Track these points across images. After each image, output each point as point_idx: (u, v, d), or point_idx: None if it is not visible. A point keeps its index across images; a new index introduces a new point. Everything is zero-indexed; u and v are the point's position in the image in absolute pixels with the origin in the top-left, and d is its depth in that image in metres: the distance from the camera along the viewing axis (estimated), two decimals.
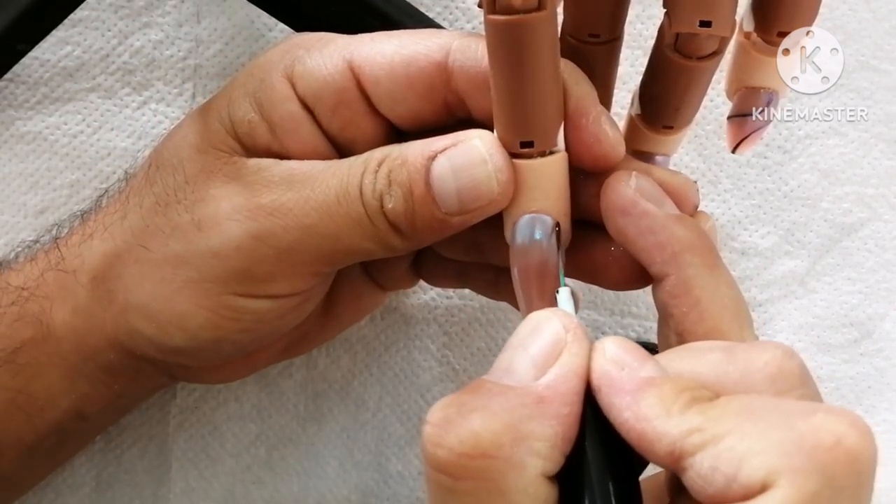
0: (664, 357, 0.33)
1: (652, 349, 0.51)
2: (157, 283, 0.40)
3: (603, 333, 0.54)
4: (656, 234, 0.36)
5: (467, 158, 0.36)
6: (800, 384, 0.31)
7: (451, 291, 0.53)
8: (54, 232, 0.44)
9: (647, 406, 0.29)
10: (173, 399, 0.53)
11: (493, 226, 0.38)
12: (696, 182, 0.38)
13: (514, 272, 0.37)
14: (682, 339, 0.35)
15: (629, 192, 0.36)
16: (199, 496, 0.53)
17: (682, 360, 0.32)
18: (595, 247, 0.39)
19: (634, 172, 0.36)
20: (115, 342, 0.42)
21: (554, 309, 0.33)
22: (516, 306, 0.45)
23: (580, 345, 0.32)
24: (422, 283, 0.53)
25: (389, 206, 0.37)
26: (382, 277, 0.47)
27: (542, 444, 0.30)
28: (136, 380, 0.45)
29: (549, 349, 0.32)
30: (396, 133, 0.40)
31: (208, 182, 0.40)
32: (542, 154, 0.36)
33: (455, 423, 0.30)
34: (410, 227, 0.37)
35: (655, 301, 0.36)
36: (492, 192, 0.36)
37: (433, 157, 0.37)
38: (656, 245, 0.36)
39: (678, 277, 0.35)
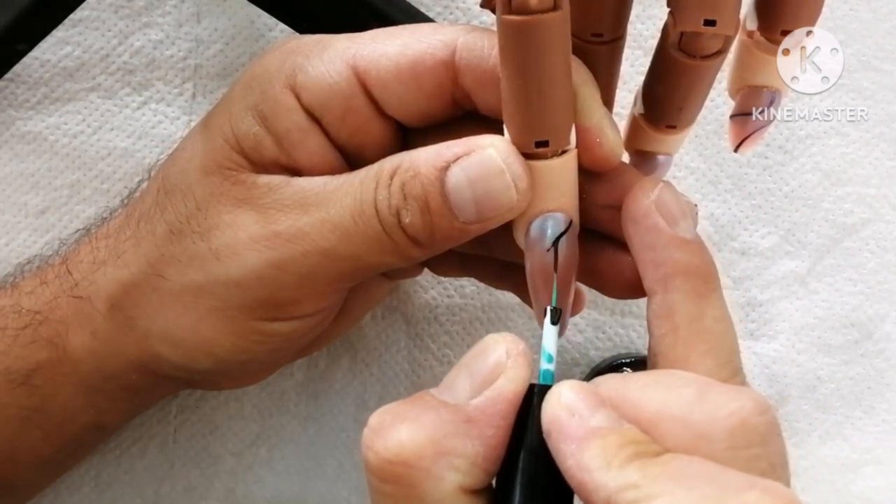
0: (642, 377, 0.33)
1: (643, 362, 0.51)
2: (179, 311, 0.40)
3: (603, 333, 0.54)
4: (655, 252, 0.36)
5: (484, 169, 0.35)
6: (759, 442, 0.31)
7: (452, 290, 0.53)
8: (62, 250, 0.44)
9: (589, 456, 0.30)
10: (174, 398, 0.53)
11: None
12: (696, 205, 0.37)
13: (530, 270, 0.36)
14: (654, 360, 0.35)
15: (645, 202, 0.36)
16: (200, 494, 0.53)
17: (657, 387, 0.32)
18: (598, 255, 0.39)
19: (661, 184, 0.36)
20: (139, 364, 0.42)
21: (505, 334, 0.34)
22: (520, 296, 0.45)
23: (517, 372, 0.32)
24: (423, 282, 0.53)
25: (407, 220, 0.36)
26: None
27: (461, 460, 0.31)
28: (155, 393, 0.46)
29: (488, 372, 0.32)
30: (404, 132, 0.40)
31: (220, 207, 0.39)
32: (556, 153, 0.35)
33: (386, 430, 0.31)
34: (429, 239, 0.37)
35: (647, 315, 0.37)
36: (511, 201, 0.35)
37: (446, 168, 0.36)
38: (652, 262, 0.36)
39: (663, 299, 0.35)
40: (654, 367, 0.35)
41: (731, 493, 0.28)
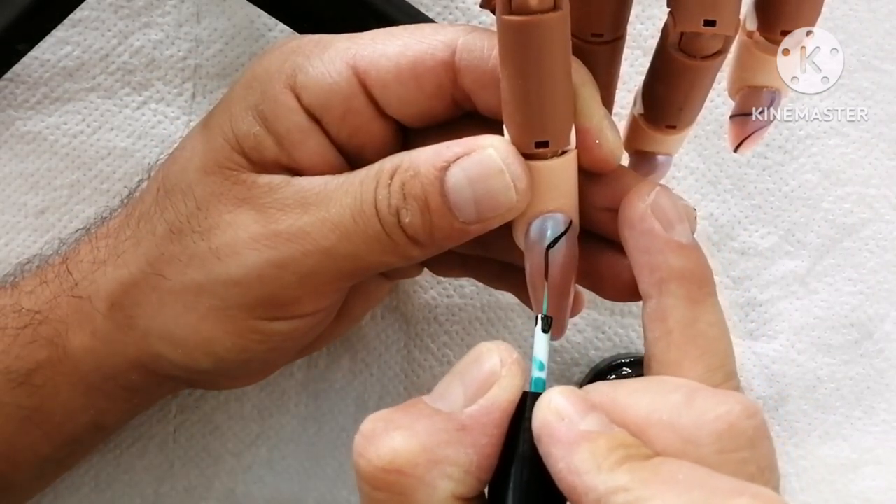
0: (632, 384, 0.33)
1: (642, 362, 0.51)
2: (179, 310, 0.40)
3: (603, 333, 0.54)
4: (651, 256, 0.36)
5: (483, 169, 0.35)
6: (747, 446, 0.31)
7: (451, 290, 0.53)
8: (62, 250, 0.44)
9: (579, 459, 0.30)
10: (174, 398, 0.53)
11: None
12: (694, 209, 0.37)
13: (529, 271, 0.36)
14: (649, 363, 0.36)
15: (641, 206, 0.36)
16: (200, 494, 0.53)
17: (646, 393, 0.33)
18: (596, 257, 0.39)
19: (658, 188, 0.36)
20: (138, 364, 0.42)
21: (498, 342, 0.34)
22: (520, 297, 0.45)
23: (511, 381, 0.32)
24: (422, 282, 0.53)
25: (407, 220, 0.36)
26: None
27: (455, 469, 0.31)
28: (155, 393, 0.46)
29: (482, 381, 0.32)
30: (404, 132, 0.40)
31: (220, 207, 0.39)
32: (556, 153, 0.35)
33: (378, 438, 0.31)
34: (429, 239, 0.37)
35: (642, 318, 0.37)
36: (511, 201, 0.36)
37: (446, 168, 0.36)
38: (648, 266, 0.36)
39: (658, 303, 0.35)
40: (649, 370, 0.35)
41: (720, 498, 0.28)
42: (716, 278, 0.53)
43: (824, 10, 0.36)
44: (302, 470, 0.54)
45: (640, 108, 0.41)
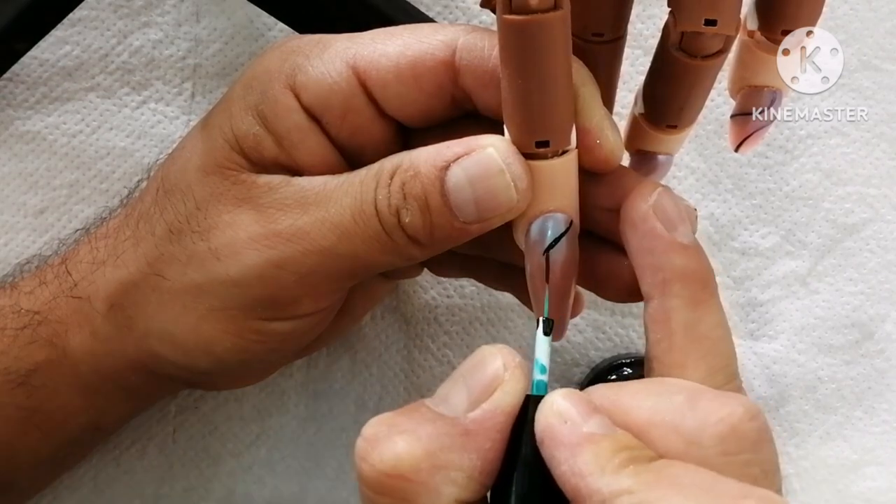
0: (634, 385, 0.33)
1: (643, 363, 0.51)
2: (178, 311, 0.40)
3: (603, 333, 0.54)
4: (654, 256, 0.35)
5: (483, 169, 0.35)
6: (750, 448, 0.31)
7: (451, 291, 0.53)
8: (61, 250, 0.44)
9: (582, 462, 0.30)
10: (173, 399, 0.53)
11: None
12: (695, 209, 0.37)
13: (530, 272, 0.36)
14: (650, 364, 0.35)
15: (643, 207, 0.36)
16: (200, 495, 0.53)
17: (648, 395, 0.33)
18: (597, 258, 0.39)
19: (660, 189, 0.36)
20: (138, 364, 0.42)
21: (501, 346, 0.34)
22: (519, 297, 0.45)
23: (514, 385, 0.32)
24: (422, 282, 0.53)
25: (407, 220, 0.36)
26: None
27: (459, 474, 0.31)
28: (154, 393, 0.46)
29: (486, 385, 0.32)
30: (404, 132, 0.40)
31: (219, 207, 0.39)
32: (556, 153, 0.35)
33: (381, 442, 0.31)
34: (429, 239, 0.37)
35: (643, 319, 0.36)
36: (511, 201, 0.35)
37: (446, 168, 0.36)
38: (651, 266, 0.36)
39: (660, 303, 0.35)
40: (651, 371, 0.35)
41: (725, 501, 0.28)
42: (716, 278, 0.53)
43: (825, 9, 0.36)
44: (302, 470, 0.54)
45: (640, 108, 0.41)
